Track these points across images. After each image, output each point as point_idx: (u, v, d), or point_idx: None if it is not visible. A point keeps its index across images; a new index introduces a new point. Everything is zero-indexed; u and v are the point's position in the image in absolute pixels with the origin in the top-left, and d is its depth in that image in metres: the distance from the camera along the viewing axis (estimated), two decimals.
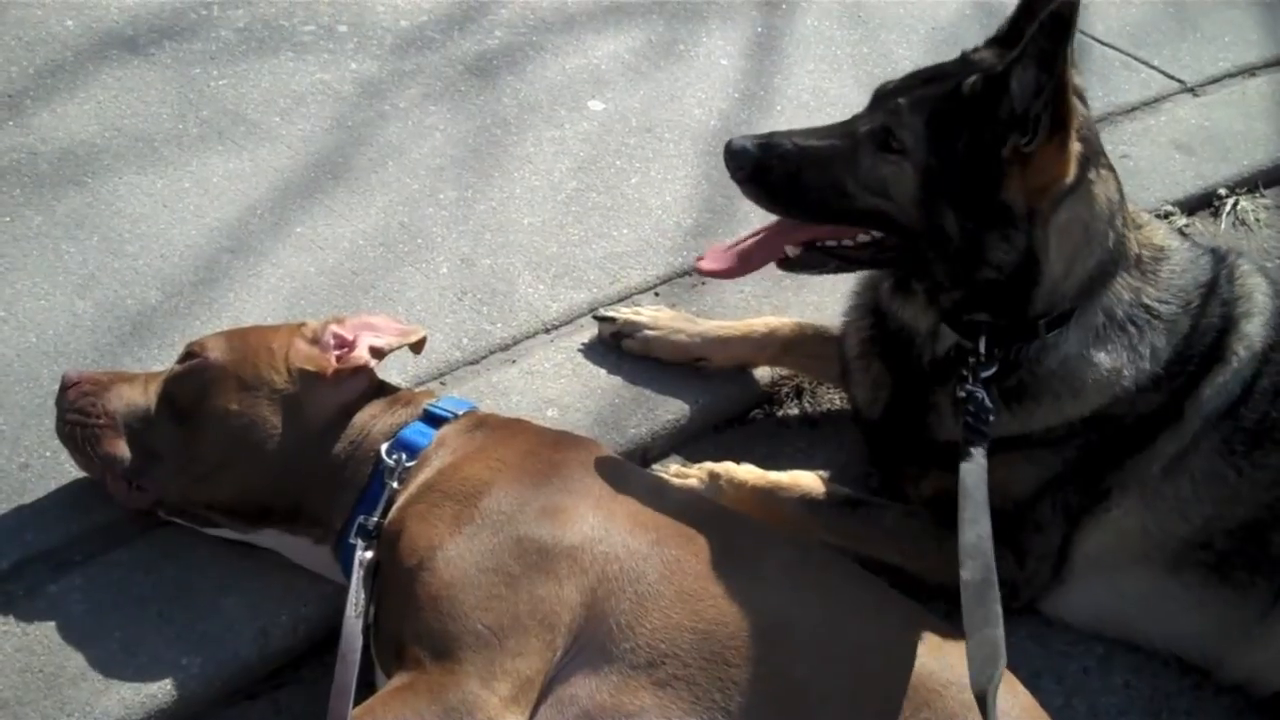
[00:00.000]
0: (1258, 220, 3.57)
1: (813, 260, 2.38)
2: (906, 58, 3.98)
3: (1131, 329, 2.31)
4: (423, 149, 3.42)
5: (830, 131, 2.32)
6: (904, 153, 2.20)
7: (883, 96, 2.31)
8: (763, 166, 2.27)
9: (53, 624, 2.18)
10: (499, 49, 3.85)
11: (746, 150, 2.27)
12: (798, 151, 2.27)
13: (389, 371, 2.55)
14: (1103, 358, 2.29)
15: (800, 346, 2.76)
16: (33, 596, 2.23)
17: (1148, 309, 2.32)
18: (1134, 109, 3.91)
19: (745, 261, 2.43)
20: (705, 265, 2.45)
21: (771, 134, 2.33)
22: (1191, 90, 4.03)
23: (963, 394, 2.24)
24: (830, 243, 2.35)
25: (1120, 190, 2.34)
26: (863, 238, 2.32)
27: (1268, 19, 4.44)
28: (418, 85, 3.65)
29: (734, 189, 2.40)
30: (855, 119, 2.31)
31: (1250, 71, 4.16)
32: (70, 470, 2.38)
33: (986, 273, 2.23)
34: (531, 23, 3.98)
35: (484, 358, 2.84)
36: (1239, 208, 3.58)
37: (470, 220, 3.20)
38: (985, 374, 2.26)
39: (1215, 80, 4.10)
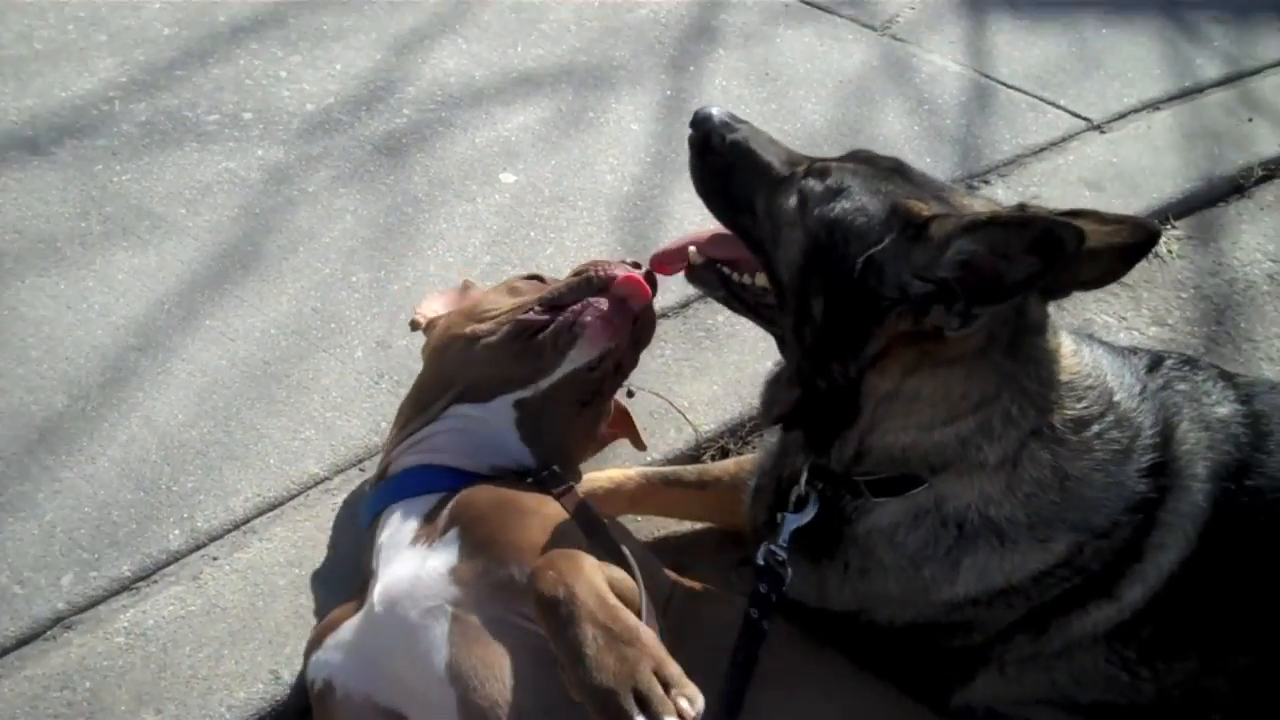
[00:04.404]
0: (1171, 252, 3.58)
1: (708, 278, 2.24)
2: (816, 112, 3.99)
3: (959, 537, 2.02)
4: (333, 232, 3.37)
5: (786, 154, 2.16)
6: (803, 209, 1.98)
7: (852, 157, 2.09)
8: (712, 144, 2.15)
9: None
10: (407, 127, 3.82)
11: (709, 119, 2.16)
12: (744, 150, 2.14)
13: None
14: (911, 549, 2.05)
15: (649, 498, 2.60)
16: None
17: (996, 529, 2.00)
18: (1042, 149, 3.93)
19: (665, 263, 2.34)
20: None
21: (746, 123, 2.18)
22: (1098, 128, 4.06)
23: (761, 556, 2.09)
24: (728, 270, 2.21)
25: (1041, 377, 1.99)
26: (759, 281, 2.13)
27: (1169, 53, 4.50)
28: (326, 168, 3.61)
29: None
30: (815, 160, 2.11)
31: (1154, 106, 4.20)
32: None
33: (819, 381, 1.98)
34: (439, 99, 3.96)
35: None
36: None
37: (384, 301, 3.15)
38: (795, 523, 2.10)
39: (1121, 116, 4.13)
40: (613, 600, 1.77)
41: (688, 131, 2.17)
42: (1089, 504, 2.00)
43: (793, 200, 1.99)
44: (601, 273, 2.34)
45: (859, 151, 2.11)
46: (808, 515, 2.10)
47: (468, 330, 2.35)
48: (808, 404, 2.02)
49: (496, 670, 1.83)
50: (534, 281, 2.49)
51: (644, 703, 1.62)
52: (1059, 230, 1.69)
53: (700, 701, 1.64)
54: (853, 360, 1.91)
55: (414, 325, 2.61)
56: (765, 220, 2.05)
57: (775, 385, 2.15)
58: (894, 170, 2.01)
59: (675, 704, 1.62)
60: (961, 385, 1.91)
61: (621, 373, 2.40)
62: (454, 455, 2.25)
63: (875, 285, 1.85)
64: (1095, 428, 2.02)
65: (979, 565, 2.02)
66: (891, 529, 2.04)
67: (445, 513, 2.08)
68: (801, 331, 1.98)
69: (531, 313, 2.31)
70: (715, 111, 2.16)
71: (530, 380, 2.28)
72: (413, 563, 2.01)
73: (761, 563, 2.09)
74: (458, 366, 2.33)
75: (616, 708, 1.62)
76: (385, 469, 2.32)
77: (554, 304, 2.32)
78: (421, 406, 2.35)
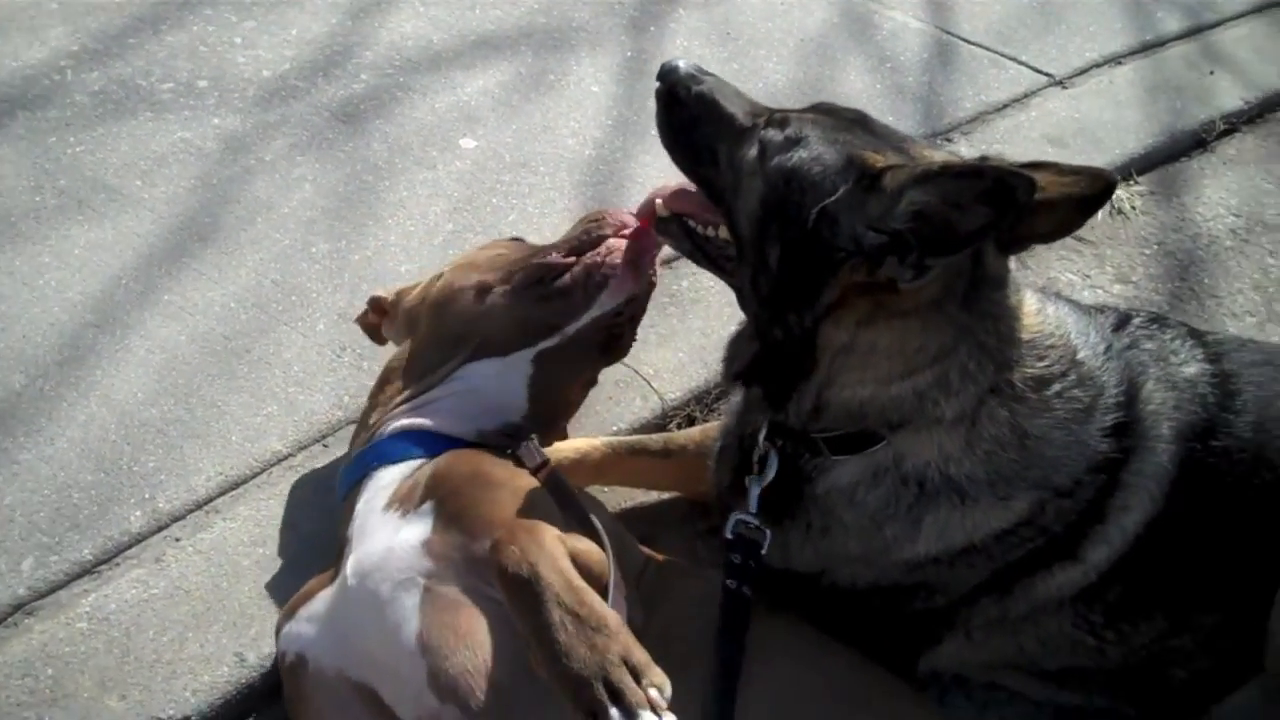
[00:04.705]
0: (1134, 208, 3.58)
1: (674, 231, 2.21)
2: (777, 71, 3.96)
3: (920, 494, 2.01)
4: (292, 202, 3.33)
5: (750, 106, 2.11)
6: (762, 158, 1.95)
7: (814, 109, 2.06)
8: (677, 96, 2.12)
9: None
10: (365, 93, 3.77)
11: (675, 70, 2.12)
12: (709, 102, 2.10)
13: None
14: (872, 508, 2.04)
15: (615, 468, 2.56)
16: None
17: (957, 487, 2.00)
18: (1004, 106, 3.91)
19: (642, 217, 2.31)
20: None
21: (713, 75, 2.15)
22: (1060, 83, 4.04)
23: (730, 529, 2.08)
24: (694, 225, 2.17)
25: (1000, 326, 1.97)
26: (722, 234, 2.10)
27: (1130, 6, 4.48)
28: (284, 136, 3.56)
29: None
30: (776, 110, 2.07)
31: (1116, 60, 4.17)
32: None
33: (776, 332, 1.96)
34: (398, 64, 3.90)
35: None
36: (1115, 197, 3.57)
37: (345, 272, 3.11)
38: (761, 484, 2.09)
39: (1083, 72, 4.11)
40: (578, 581, 1.76)
41: (651, 91, 2.14)
42: (1049, 462, 2.00)
43: (753, 150, 1.97)
44: (619, 219, 2.35)
45: (821, 104, 2.09)
46: (769, 475, 2.09)
47: (475, 280, 2.33)
48: (765, 357, 2.01)
49: (468, 641, 1.82)
50: (520, 243, 2.47)
51: (616, 695, 1.62)
52: (1010, 180, 1.68)
53: (668, 688, 1.64)
54: (808, 310, 1.90)
55: (377, 306, 2.57)
56: (728, 171, 2.03)
57: (737, 342, 2.14)
58: (855, 121, 1.99)
59: (646, 694, 1.62)
60: (917, 338, 1.90)
61: (636, 321, 2.40)
62: (449, 419, 2.24)
63: (829, 236, 1.84)
64: (1056, 386, 2.02)
65: (940, 523, 2.01)
66: (851, 487, 2.04)
67: (421, 483, 2.06)
68: (758, 282, 1.97)
69: (554, 256, 2.29)
70: (682, 64, 2.13)
71: (555, 327, 2.27)
72: (386, 533, 2.00)
73: (731, 536, 2.08)
74: (469, 320, 2.30)
75: (590, 698, 1.62)
76: (372, 434, 2.28)
77: (576, 249, 2.32)
78: (426, 367, 2.32)
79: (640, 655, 1.67)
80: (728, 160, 2.03)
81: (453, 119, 3.70)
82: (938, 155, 1.97)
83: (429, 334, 2.37)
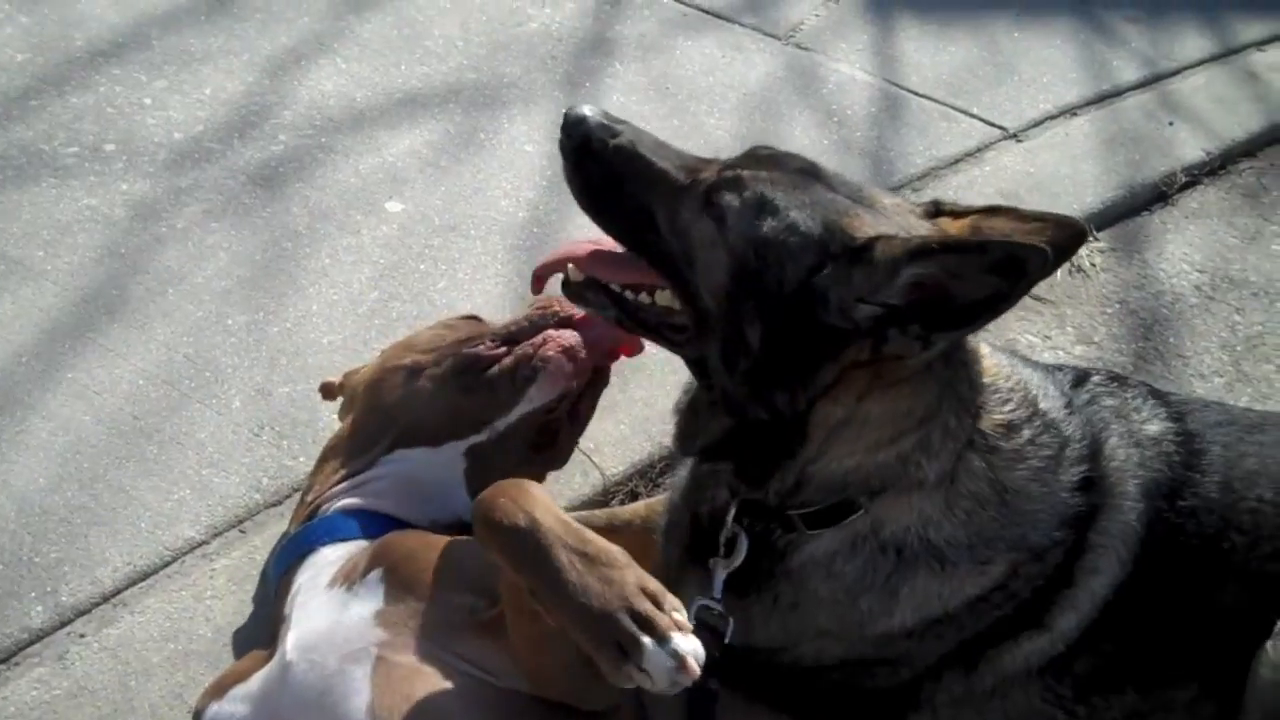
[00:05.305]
0: (1094, 265, 3.63)
1: (594, 298, 2.11)
2: (719, 127, 4.01)
3: (898, 562, 2.01)
4: (206, 272, 3.32)
5: (680, 158, 2.04)
6: (722, 228, 1.89)
7: (753, 159, 2.02)
8: (591, 150, 2.00)
9: None
10: (284, 155, 3.78)
11: (584, 122, 2.00)
12: (631, 156, 1.99)
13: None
14: (849, 580, 2.03)
15: None
16: None
17: (936, 553, 2.00)
18: (956, 161, 3.97)
19: (542, 279, 2.25)
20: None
21: (626, 123, 2.04)
22: (1014, 136, 4.11)
23: (695, 613, 2.01)
24: (618, 289, 2.09)
25: (970, 384, 2.00)
26: (661, 300, 2.04)
27: (1084, 56, 4.56)
28: (197, 202, 3.56)
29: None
30: (712, 162, 2.04)
31: (1071, 112, 4.25)
32: None
33: (758, 410, 1.92)
34: (318, 124, 3.92)
35: (288, 497, 2.73)
36: (1075, 255, 3.62)
37: (263, 346, 3.10)
38: (729, 568, 2.06)
39: (1037, 124, 4.18)
40: (574, 523, 1.78)
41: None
42: (1027, 518, 2.01)
43: (704, 218, 1.92)
44: (569, 308, 2.32)
45: (758, 149, 2.06)
46: (739, 558, 2.07)
47: (408, 361, 2.32)
48: (741, 435, 1.98)
49: (424, 707, 1.82)
50: (471, 321, 2.47)
51: (645, 624, 1.64)
52: (1020, 252, 1.68)
53: (683, 612, 1.68)
54: (801, 390, 1.88)
55: (325, 390, 2.58)
56: (671, 237, 1.97)
57: (692, 414, 2.11)
58: (806, 173, 1.96)
59: (671, 618, 1.66)
60: (907, 402, 1.91)
61: (579, 419, 2.38)
62: (395, 503, 2.23)
63: (819, 312, 1.82)
64: (1026, 433, 2.04)
65: (918, 592, 2.02)
66: (828, 559, 2.03)
67: (367, 555, 2.05)
68: (732, 359, 1.91)
69: (483, 346, 2.28)
70: (589, 111, 2.02)
71: (483, 422, 2.25)
72: (331, 609, 1.99)
73: (693, 622, 2.06)
74: (398, 402, 2.30)
75: (618, 630, 1.64)
76: (313, 511, 2.27)
77: (509, 338, 2.30)
78: (359, 447, 2.31)
79: (654, 584, 1.70)
80: (669, 225, 1.97)
81: (378, 181, 3.71)
82: (895, 203, 1.97)
83: (362, 414, 2.38)
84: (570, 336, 2.30)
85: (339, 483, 2.28)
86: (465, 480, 2.28)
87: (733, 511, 2.08)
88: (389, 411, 2.31)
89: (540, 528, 1.74)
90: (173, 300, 3.22)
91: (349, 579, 2.03)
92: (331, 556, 2.13)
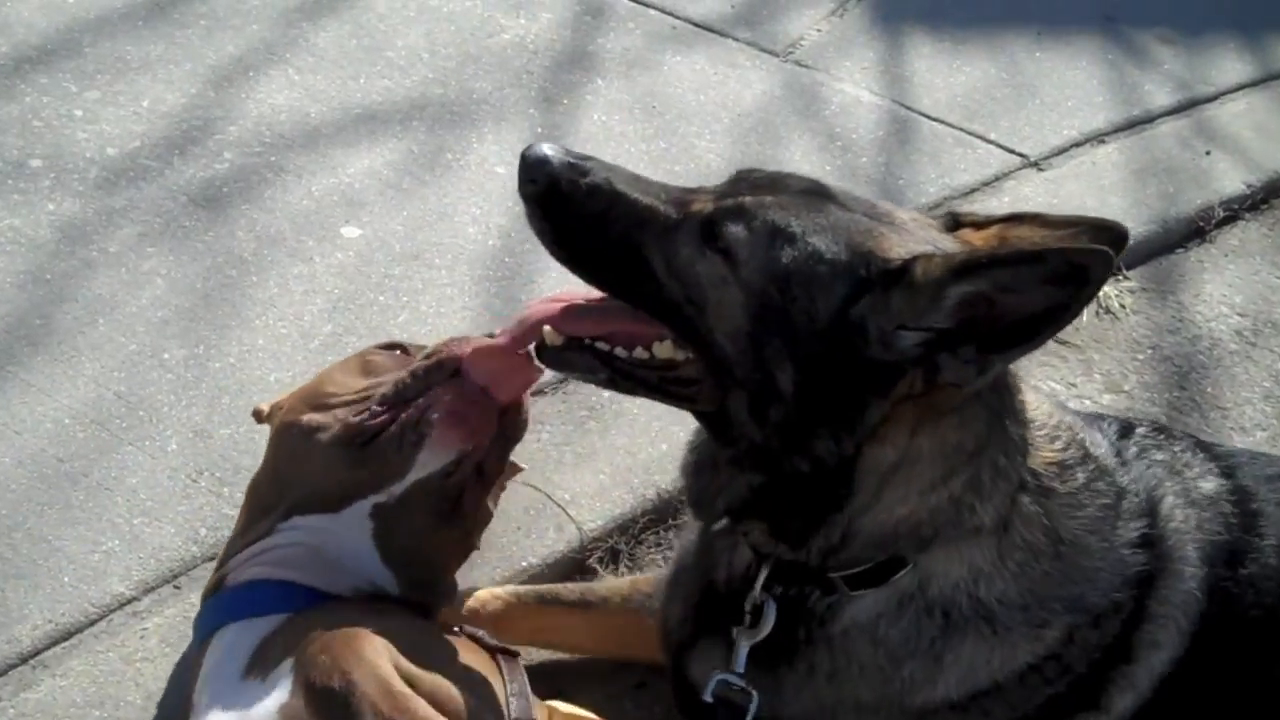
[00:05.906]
0: (1124, 307, 3.64)
1: (580, 360, 2.04)
2: (711, 150, 4.01)
3: (945, 625, 1.99)
4: (141, 301, 3.30)
5: (664, 191, 1.97)
6: (733, 263, 1.84)
7: (749, 183, 1.96)
8: (561, 192, 1.92)
9: None
10: (230, 174, 3.76)
11: (547, 162, 1.91)
12: (609, 195, 1.92)
13: None
14: (894, 644, 2.01)
15: (519, 622, 2.49)
16: None
17: (987, 613, 1.98)
18: (972, 190, 3.98)
19: (519, 346, 2.16)
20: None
21: (593, 159, 1.96)
22: (1035, 164, 4.12)
23: (714, 689, 2.01)
24: (605, 347, 2.00)
25: (1015, 423, 1.96)
26: (661, 352, 1.96)
27: (1113, 78, 4.59)
28: (132, 224, 3.54)
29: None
30: (698, 190, 1.98)
31: (1099, 139, 4.27)
32: None
33: (798, 463, 1.88)
34: (268, 140, 3.90)
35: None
36: (1103, 294, 3.63)
37: (203, 382, 3.08)
38: (754, 639, 2.02)
39: (1061, 151, 4.20)
40: (400, 686, 1.74)
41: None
42: (1085, 575, 1.99)
43: (708, 254, 1.86)
44: (454, 353, 2.23)
45: (748, 172, 2.02)
46: (766, 629, 2.03)
47: (304, 420, 2.27)
48: (776, 490, 1.93)
49: None
50: (394, 353, 2.40)
51: None
52: (1080, 258, 1.65)
53: None
54: (848, 435, 1.83)
55: (256, 415, 2.55)
56: (670, 281, 1.91)
57: (708, 471, 2.05)
58: (813, 193, 1.91)
59: None
60: (956, 434, 1.88)
61: (487, 478, 2.33)
62: (304, 573, 2.18)
63: (859, 345, 1.79)
64: (1080, 476, 2.02)
65: (965, 659, 1.99)
66: (872, 623, 2.00)
67: (280, 640, 2.01)
68: (764, 409, 1.86)
69: (367, 413, 2.22)
70: (549, 151, 1.94)
71: (380, 485, 2.20)
72: (240, 701, 1.95)
73: (711, 699, 2.02)
74: (289, 468, 2.26)
75: None
76: (222, 579, 2.24)
77: (398, 398, 2.23)
78: (258, 511, 2.28)
79: None
80: (665, 267, 1.91)
81: (333, 204, 3.70)
82: (911, 216, 1.95)
83: (261, 473, 2.37)
84: (459, 392, 2.20)
85: (243, 547, 2.24)
86: (375, 543, 2.22)
87: (763, 576, 2.03)
88: (282, 477, 2.27)
89: (354, 693, 1.71)
90: (104, 331, 3.20)
91: (263, 668, 1.99)
92: (241, 640, 2.08)
